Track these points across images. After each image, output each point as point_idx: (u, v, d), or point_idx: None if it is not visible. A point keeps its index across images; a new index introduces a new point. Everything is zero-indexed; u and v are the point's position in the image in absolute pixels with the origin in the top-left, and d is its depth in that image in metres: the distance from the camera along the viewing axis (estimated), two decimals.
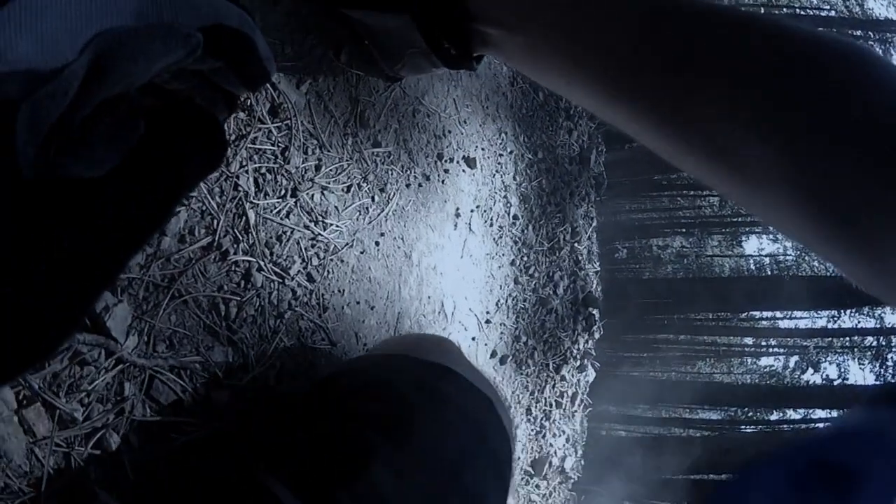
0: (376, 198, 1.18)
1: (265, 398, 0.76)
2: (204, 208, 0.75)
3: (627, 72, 0.55)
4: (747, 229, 23.55)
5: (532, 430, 2.74)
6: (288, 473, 0.56)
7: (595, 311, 3.35)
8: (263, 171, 0.87)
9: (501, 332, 2.05)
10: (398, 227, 1.25)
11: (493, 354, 1.99)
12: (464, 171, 1.68)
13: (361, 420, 0.63)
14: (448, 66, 0.79)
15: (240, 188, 0.81)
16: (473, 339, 1.76)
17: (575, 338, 3.09)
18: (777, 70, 0.47)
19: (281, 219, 0.88)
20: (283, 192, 0.90)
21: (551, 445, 2.95)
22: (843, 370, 19.40)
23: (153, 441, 0.62)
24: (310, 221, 0.94)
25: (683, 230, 23.36)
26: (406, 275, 1.26)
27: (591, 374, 3.44)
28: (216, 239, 0.75)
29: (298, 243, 0.90)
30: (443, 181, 1.53)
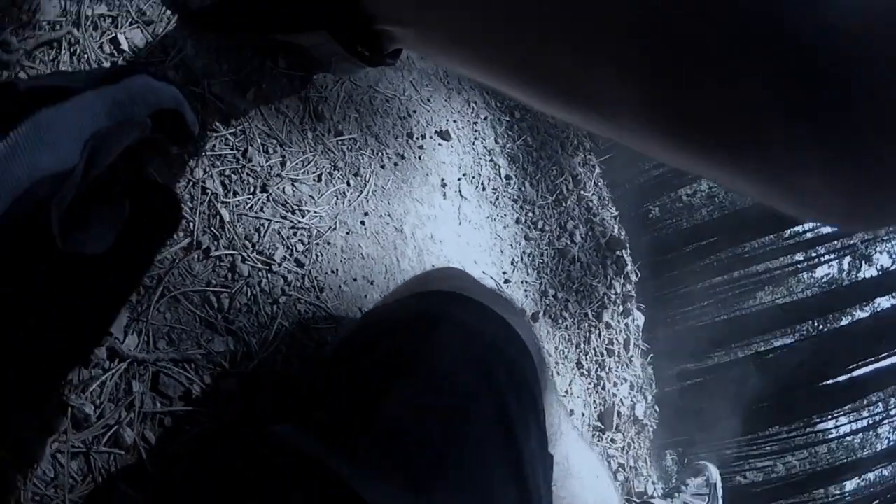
0: (351, 182, 1.22)
1: (271, 384, 0.79)
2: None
3: (494, 44, 0.60)
4: None
5: (589, 384, 2.72)
6: (304, 428, 0.59)
7: (623, 253, 3.34)
8: (228, 172, 0.92)
9: (525, 290, 2.07)
10: (382, 206, 1.29)
11: (523, 313, 2.01)
12: (440, 144, 1.72)
13: (370, 365, 0.65)
14: (370, 65, 0.88)
15: (208, 191, 0.86)
16: None
17: (609, 283, 3.09)
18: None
19: (256, 213, 0.93)
20: (252, 189, 0.95)
21: (614, 395, 2.92)
22: (893, 255, 19.05)
23: (167, 434, 0.66)
24: (286, 212, 0.99)
25: None
26: (402, 248, 1.30)
27: (639, 318, 3.42)
28: (195, 238, 0.80)
29: (279, 233, 0.95)
30: (419, 157, 1.57)
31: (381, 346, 0.66)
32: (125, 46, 0.90)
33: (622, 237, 3.44)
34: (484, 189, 1.95)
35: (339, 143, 1.25)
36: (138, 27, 0.93)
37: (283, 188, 1.01)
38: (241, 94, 1.05)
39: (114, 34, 0.90)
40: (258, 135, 1.03)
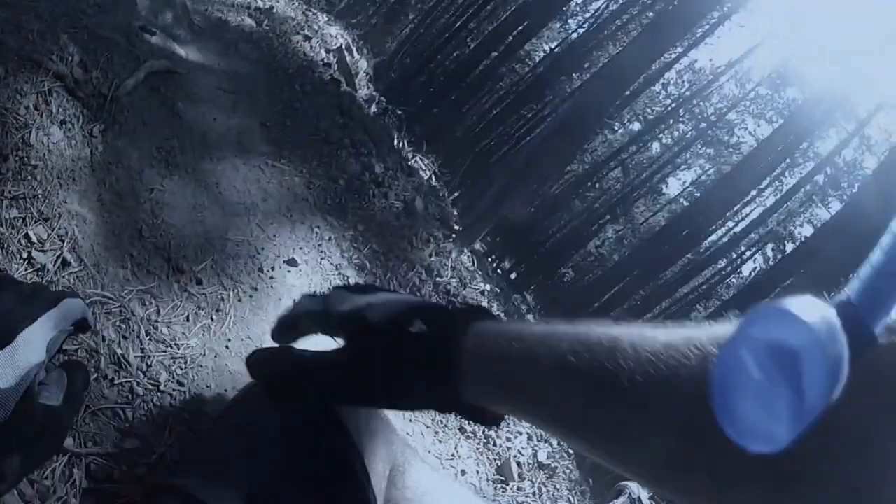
0: (214, 317, 1.63)
1: (167, 468, 1.17)
2: (87, 354, 1.18)
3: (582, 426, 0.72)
4: (661, 176, 24.86)
5: (477, 444, 3.01)
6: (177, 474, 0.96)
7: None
8: (119, 323, 1.31)
9: None
10: (243, 331, 1.69)
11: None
12: (289, 271, 2.14)
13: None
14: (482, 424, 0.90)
15: (106, 338, 1.25)
16: None
17: None
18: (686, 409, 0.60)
19: (143, 349, 1.32)
20: (137, 332, 1.34)
21: (509, 449, 3.22)
22: (816, 225, 20.78)
23: None
24: (165, 346, 1.38)
25: (607, 217, 24.50)
26: None
27: None
28: (102, 373, 1.19)
29: (162, 362, 1.34)
30: (272, 286, 1.99)
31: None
32: (34, 239, 1.30)
33: (493, 308, 3.90)
34: None
35: (200, 289, 1.66)
36: (41, 224, 1.33)
37: (161, 329, 1.41)
38: (120, 267, 1.45)
39: (25, 231, 1.30)
40: (136, 293, 1.43)
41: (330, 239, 2.58)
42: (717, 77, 22.72)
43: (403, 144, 6.16)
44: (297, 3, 4.43)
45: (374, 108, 5.04)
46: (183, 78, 2.41)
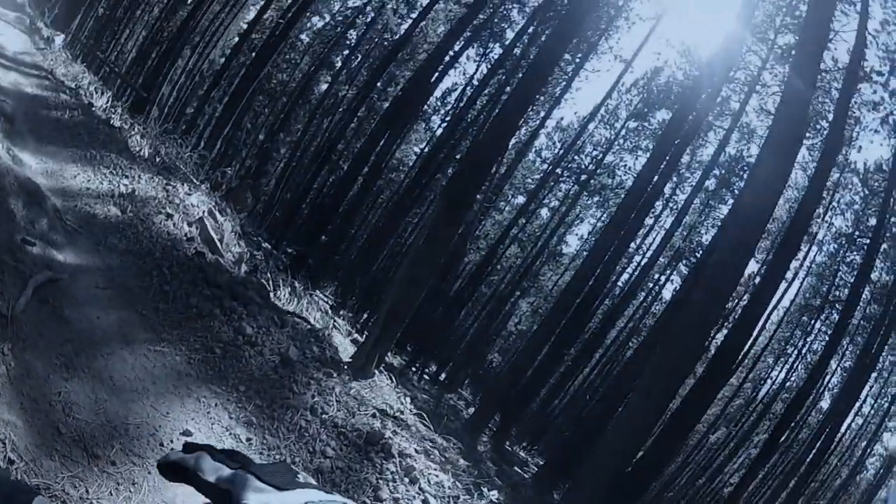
0: (132, 489, 1.93)
1: None
2: None
3: None
4: (557, 238, 25.60)
5: None
6: None
7: (386, 440, 4.05)
8: None
9: None
10: (157, 497, 1.99)
11: None
12: (186, 439, 2.45)
13: None
14: None
15: None
16: None
17: (380, 468, 3.78)
18: None
19: None
20: None
21: None
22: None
23: None
24: None
25: (517, 294, 24.95)
26: None
27: (441, 477, 4.15)
28: None
29: None
30: None
31: None
32: None
33: (383, 432, 4.19)
34: None
35: (116, 468, 1.95)
36: None
37: None
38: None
39: None
40: (68, 479, 1.72)
41: (216, 405, 2.89)
42: (585, 127, 24.04)
43: (293, 287, 6.45)
44: (157, 181, 4.71)
45: (244, 268, 5.37)
46: (65, 283, 2.73)
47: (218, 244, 4.82)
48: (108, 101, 7.12)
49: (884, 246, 18.92)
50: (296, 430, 3.41)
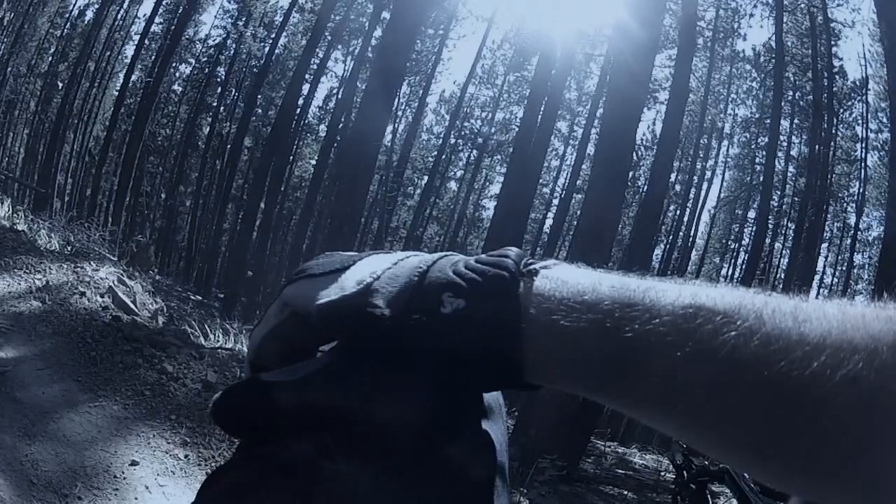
0: None
1: None
2: None
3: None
4: (473, 206, 25.40)
5: None
6: None
7: None
8: None
9: None
10: None
11: None
12: (134, 469, 3.26)
13: None
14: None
15: None
16: None
17: None
18: None
19: None
20: None
21: None
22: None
23: None
24: None
25: None
26: None
27: None
28: None
29: None
30: (126, 483, 3.11)
31: None
32: None
33: None
34: (174, 473, 3.50)
35: (82, 502, 2.77)
36: None
37: None
38: None
39: None
40: None
41: (154, 435, 3.71)
42: (465, 92, 24.16)
43: (224, 328, 7.07)
44: (66, 267, 5.38)
45: (161, 320, 6.06)
46: (12, 373, 3.48)
47: (132, 305, 5.54)
48: (9, 208, 7.61)
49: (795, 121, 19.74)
50: (226, 438, 4.24)
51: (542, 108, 17.50)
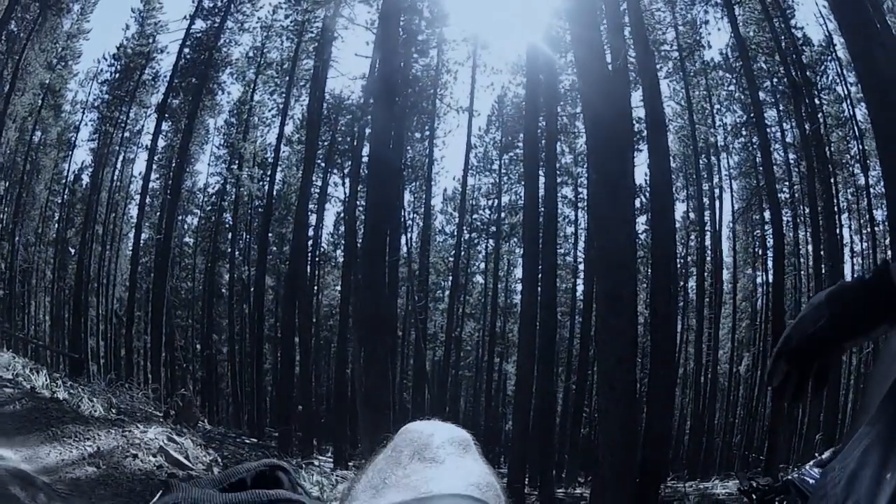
0: None
1: None
2: None
3: None
4: (505, 293, 24.44)
5: None
6: None
7: None
8: None
9: None
10: None
11: None
12: None
13: None
14: None
15: None
16: None
17: None
18: None
19: None
20: None
21: None
22: None
23: None
24: None
25: (497, 360, 23.85)
26: None
27: None
28: None
29: None
30: None
31: None
32: None
33: None
34: None
35: None
36: None
37: None
38: None
39: None
40: None
41: None
42: (465, 186, 23.53)
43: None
44: (114, 432, 5.49)
45: (216, 470, 6.11)
46: None
47: (185, 461, 5.66)
48: (46, 378, 7.83)
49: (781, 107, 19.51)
50: None
51: (541, 180, 17.69)
